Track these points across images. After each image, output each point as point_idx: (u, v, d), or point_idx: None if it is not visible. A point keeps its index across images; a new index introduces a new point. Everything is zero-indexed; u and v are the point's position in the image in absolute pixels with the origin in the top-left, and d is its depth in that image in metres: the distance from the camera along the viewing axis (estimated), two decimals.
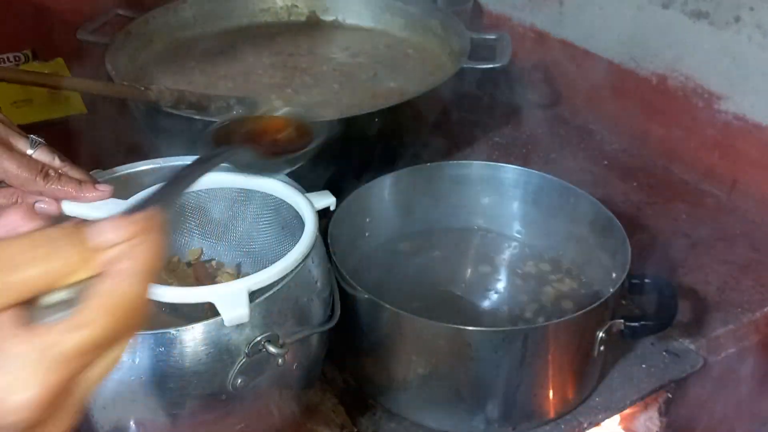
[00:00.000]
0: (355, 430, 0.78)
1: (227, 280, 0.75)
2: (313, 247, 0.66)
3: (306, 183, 0.76)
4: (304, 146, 0.72)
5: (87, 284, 0.35)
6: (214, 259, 0.77)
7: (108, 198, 0.70)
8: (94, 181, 0.71)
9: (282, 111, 0.79)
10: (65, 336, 0.33)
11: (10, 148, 0.67)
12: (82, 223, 0.35)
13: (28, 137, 0.70)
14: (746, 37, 1.04)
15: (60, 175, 0.68)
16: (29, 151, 0.68)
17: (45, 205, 0.68)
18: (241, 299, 0.59)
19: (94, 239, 0.35)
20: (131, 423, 0.63)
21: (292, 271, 0.64)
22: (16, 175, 0.66)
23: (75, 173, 0.70)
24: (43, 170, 0.67)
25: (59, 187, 0.68)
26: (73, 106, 1.29)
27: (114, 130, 1.19)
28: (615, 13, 1.22)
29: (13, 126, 0.71)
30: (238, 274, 0.77)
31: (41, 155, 0.69)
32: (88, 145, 1.06)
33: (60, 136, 1.23)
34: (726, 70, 1.08)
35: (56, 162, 0.69)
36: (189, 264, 0.77)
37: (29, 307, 0.34)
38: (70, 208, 0.69)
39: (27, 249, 0.33)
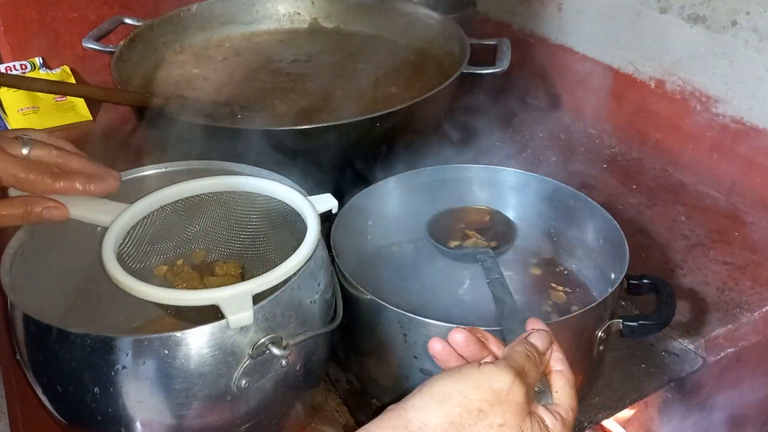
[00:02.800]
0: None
1: (231, 283, 0.76)
2: (315, 250, 0.67)
3: (309, 186, 0.78)
4: (509, 240, 0.87)
5: (544, 380, 0.57)
6: (219, 262, 0.78)
7: (115, 188, 0.70)
8: (102, 170, 0.71)
9: (486, 206, 0.93)
10: (571, 417, 0.56)
11: (4, 152, 0.67)
12: (529, 340, 0.58)
13: (18, 138, 0.69)
14: (743, 41, 1.05)
15: (66, 171, 0.68)
16: (24, 151, 0.68)
17: (55, 212, 0.68)
18: (245, 302, 0.60)
19: (540, 348, 0.57)
20: (138, 424, 0.64)
21: (295, 273, 0.65)
22: (24, 179, 0.66)
23: (75, 163, 0.70)
24: (49, 169, 0.68)
25: (69, 184, 0.68)
26: (79, 114, 1.31)
27: (119, 136, 1.21)
28: (613, 18, 1.24)
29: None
30: (243, 276, 0.78)
31: (37, 152, 0.69)
32: (94, 151, 1.07)
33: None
34: (723, 73, 1.09)
35: (54, 154, 0.69)
36: (194, 266, 0.78)
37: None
38: (80, 213, 0.69)
39: (531, 362, 0.55)
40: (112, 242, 0.66)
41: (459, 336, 0.58)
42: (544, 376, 0.57)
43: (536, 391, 0.56)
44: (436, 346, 0.58)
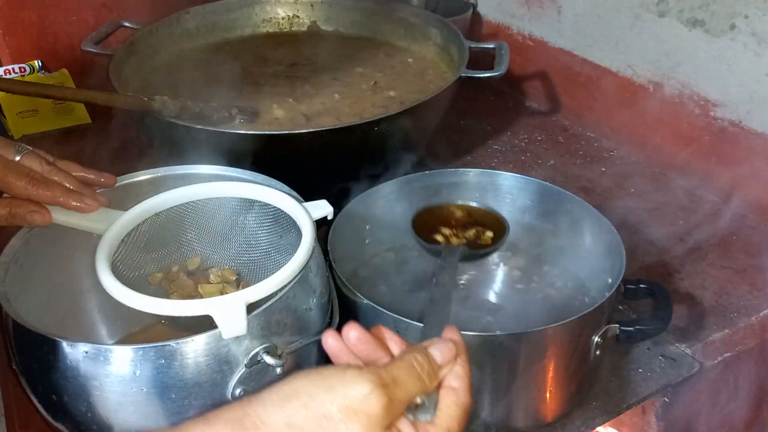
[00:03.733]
0: None
1: (227, 290, 0.76)
2: (311, 257, 0.67)
3: (307, 191, 0.78)
4: (500, 238, 0.84)
5: (433, 394, 0.51)
6: (214, 268, 0.78)
7: (95, 210, 0.70)
8: (84, 192, 0.71)
9: (478, 204, 0.90)
10: None
11: None
12: (427, 348, 0.52)
13: (14, 145, 0.70)
14: (741, 44, 1.05)
15: (46, 179, 0.68)
16: (16, 158, 0.69)
17: (38, 217, 0.68)
18: (238, 312, 0.60)
19: (438, 361, 0.52)
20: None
21: (289, 282, 0.65)
22: (1, 179, 0.67)
23: (63, 179, 0.70)
24: (29, 174, 0.68)
25: (45, 191, 0.68)
26: (78, 117, 1.31)
27: (117, 140, 1.21)
28: (612, 21, 1.24)
29: None
30: (238, 283, 0.78)
31: (27, 161, 0.69)
32: (93, 155, 1.08)
33: (64, 146, 1.26)
34: (722, 77, 1.09)
35: (43, 167, 0.69)
36: (189, 273, 0.78)
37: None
38: (60, 217, 0.69)
39: (406, 371, 0.49)
40: (105, 250, 0.66)
41: (351, 333, 0.52)
42: (436, 390, 0.52)
43: (418, 404, 0.51)
44: (329, 341, 0.53)
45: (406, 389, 0.49)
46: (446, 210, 0.90)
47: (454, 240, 0.85)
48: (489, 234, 0.86)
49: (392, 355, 0.54)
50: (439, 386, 0.52)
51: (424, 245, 0.84)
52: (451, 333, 0.56)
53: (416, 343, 0.54)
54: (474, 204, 0.91)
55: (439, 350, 0.52)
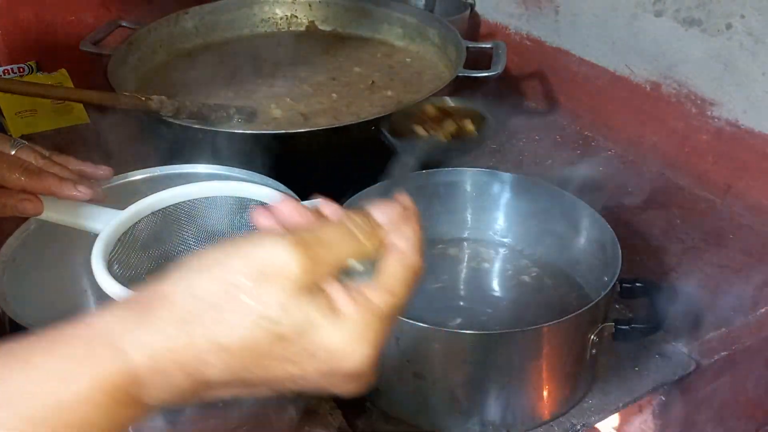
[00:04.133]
0: None
1: None
2: None
3: (304, 191, 0.78)
4: (479, 130, 0.77)
5: (375, 257, 0.44)
6: None
7: (87, 198, 0.70)
8: (77, 181, 0.71)
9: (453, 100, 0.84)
10: (386, 302, 0.43)
11: None
12: (366, 209, 0.46)
13: (10, 139, 0.70)
14: (738, 43, 1.05)
15: (41, 171, 0.69)
16: (12, 152, 0.69)
17: (29, 206, 0.68)
18: None
19: (378, 222, 0.45)
20: (130, 429, 0.64)
21: None
22: None
23: (58, 171, 0.70)
24: (23, 166, 0.68)
25: (39, 182, 0.68)
26: (77, 117, 1.31)
27: (116, 140, 1.21)
28: (609, 21, 1.24)
29: None
30: None
31: (23, 154, 0.69)
32: (91, 154, 1.08)
33: (63, 146, 1.26)
34: (718, 76, 1.09)
35: (38, 160, 0.70)
36: None
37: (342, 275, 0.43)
38: (56, 216, 0.69)
39: (340, 232, 0.44)
40: (101, 249, 0.66)
41: (283, 205, 0.48)
42: (377, 252, 0.45)
43: (355, 269, 0.44)
44: (260, 219, 0.48)
45: (334, 250, 0.43)
46: (419, 109, 0.83)
47: (434, 134, 0.79)
48: (470, 126, 0.81)
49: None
50: (382, 250, 0.45)
51: (399, 144, 0.78)
52: (402, 198, 0.49)
53: None
54: (449, 101, 0.85)
55: (382, 211, 0.46)
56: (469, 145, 0.77)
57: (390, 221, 0.46)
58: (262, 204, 0.75)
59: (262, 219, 0.48)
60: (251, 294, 0.40)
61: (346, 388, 0.44)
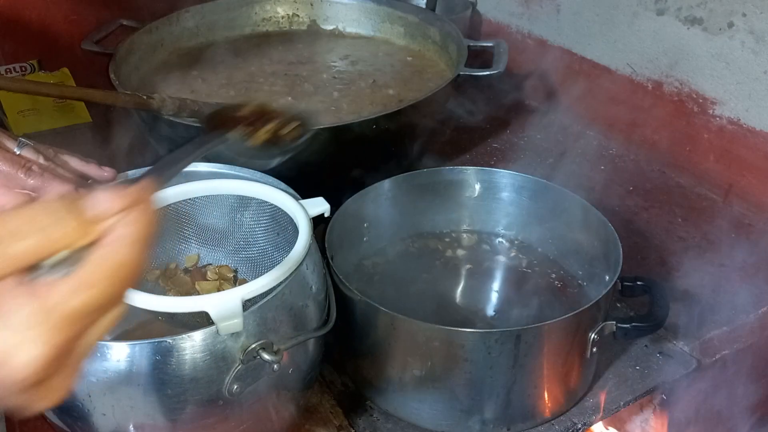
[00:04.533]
0: (353, 431, 0.79)
1: (223, 287, 0.77)
2: (307, 255, 0.67)
3: (305, 188, 0.78)
4: (297, 138, 0.73)
5: (85, 251, 0.37)
6: (211, 265, 0.79)
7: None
8: (81, 183, 0.71)
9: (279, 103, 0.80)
10: (71, 296, 0.36)
11: None
12: (80, 194, 0.38)
13: (17, 138, 0.71)
14: (739, 42, 1.05)
15: (44, 171, 0.69)
16: (16, 151, 0.70)
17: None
18: (234, 308, 0.60)
19: (91, 210, 0.37)
20: (131, 428, 0.64)
21: (285, 278, 0.65)
22: (0, 170, 0.68)
23: (62, 173, 0.71)
24: (26, 165, 0.69)
25: (41, 182, 0.69)
26: (78, 115, 1.31)
27: (118, 138, 1.22)
28: (611, 20, 1.24)
29: (2, 129, 0.72)
30: (235, 280, 0.79)
31: (28, 154, 0.70)
32: (92, 153, 1.08)
33: (65, 145, 1.26)
34: (720, 75, 1.09)
35: (41, 160, 0.70)
36: (186, 270, 0.78)
37: (30, 271, 0.36)
38: None
39: (27, 220, 0.36)
40: None
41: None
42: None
43: (57, 259, 0.37)
44: None
45: (19, 245, 0.36)
46: (238, 109, 0.78)
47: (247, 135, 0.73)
48: (293, 127, 0.76)
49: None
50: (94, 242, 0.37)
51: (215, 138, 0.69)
52: (136, 189, 0.39)
53: None
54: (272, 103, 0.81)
55: (97, 199, 0.38)
56: (277, 151, 0.74)
57: (101, 211, 0.37)
58: (263, 202, 0.75)
59: None
60: None
61: (19, 400, 0.37)
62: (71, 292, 0.36)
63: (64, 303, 0.36)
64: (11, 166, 0.68)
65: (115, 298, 0.38)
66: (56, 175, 0.70)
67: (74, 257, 0.37)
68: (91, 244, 0.37)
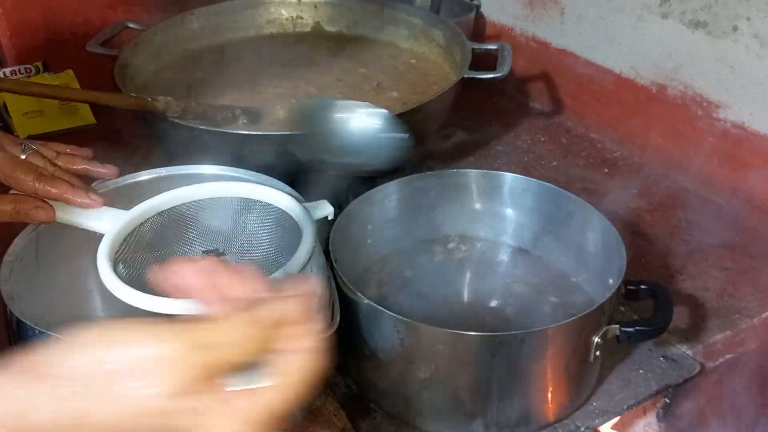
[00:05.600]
0: None
1: None
2: (311, 257, 0.68)
3: (309, 191, 0.78)
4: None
5: (269, 359, 0.42)
6: None
7: (99, 207, 0.71)
8: (88, 189, 0.72)
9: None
10: (274, 400, 0.41)
11: (4, 150, 0.69)
12: (259, 307, 0.42)
13: (21, 143, 0.71)
14: (744, 46, 1.05)
15: (53, 176, 0.70)
16: (21, 156, 0.70)
17: (42, 214, 0.69)
18: None
19: (270, 322, 0.41)
20: None
21: None
22: (10, 175, 0.68)
23: (68, 177, 0.71)
24: (37, 170, 0.69)
25: (51, 187, 0.69)
26: (83, 117, 1.32)
27: (122, 140, 1.22)
28: (615, 23, 1.24)
29: (5, 133, 0.73)
30: None
31: (33, 158, 0.71)
32: (97, 155, 1.08)
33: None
34: (724, 78, 1.09)
35: (48, 165, 0.71)
36: None
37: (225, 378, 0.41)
38: (63, 216, 0.70)
39: (222, 334, 0.41)
40: (107, 249, 0.66)
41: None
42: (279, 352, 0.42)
43: (244, 369, 0.42)
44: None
45: (228, 352, 0.41)
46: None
47: None
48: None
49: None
50: (282, 348, 0.42)
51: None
52: (305, 284, 0.44)
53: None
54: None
55: (276, 311, 0.42)
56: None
57: (291, 318, 0.42)
58: (268, 205, 0.75)
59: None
60: (125, 386, 0.39)
61: None
62: (273, 396, 0.41)
63: (266, 411, 0.41)
64: (22, 171, 0.68)
65: (303, 400, 0.43)
66: (65, 180, 0.70)
67: (261, 364, 0.42)
68: (274, 352, 0.42)
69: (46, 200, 0.70)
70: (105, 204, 0.72)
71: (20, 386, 0.40)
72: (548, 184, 0.93)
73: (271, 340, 0.41)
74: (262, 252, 0.78)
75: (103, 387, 0.39)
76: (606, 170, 1.22)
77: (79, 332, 0.41)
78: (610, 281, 0.82)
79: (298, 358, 0.42)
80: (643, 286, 0.83)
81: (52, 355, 0.41)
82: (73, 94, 1.13)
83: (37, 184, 0.69)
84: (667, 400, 0.89)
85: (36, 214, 0.69)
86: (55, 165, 0.72)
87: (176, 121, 0.99)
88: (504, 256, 0.96)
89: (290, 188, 0.78)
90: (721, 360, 0.89)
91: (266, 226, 0.77)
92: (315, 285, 0.45)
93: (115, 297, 0.63)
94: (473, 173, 0.96)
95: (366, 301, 0.75)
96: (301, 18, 1.40)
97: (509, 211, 0.96)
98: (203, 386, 0.40)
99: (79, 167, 0.75)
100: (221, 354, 0.40)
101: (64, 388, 0.39)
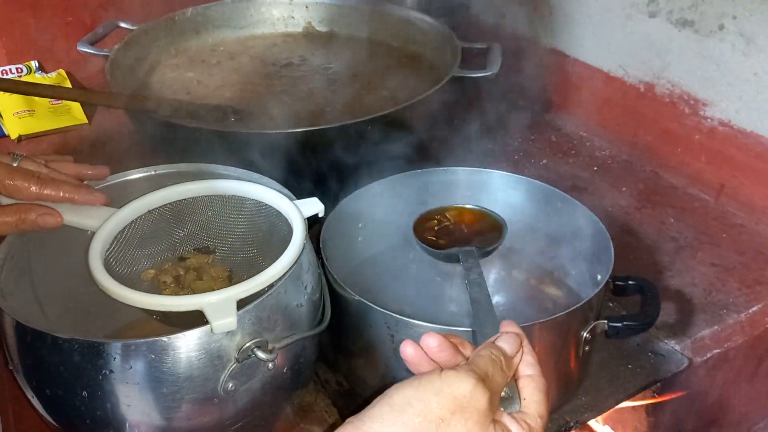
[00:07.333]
0: None
1: (218, 286, 0.77)
2: (301, 254, 0.68)
3: (299, 189, 0.79)
4: (497, 240, 0.85)
5: (512, 385, 0.55)
6: (207, 265, 0.79)
7: (103, 203, 0.72)
8: (89, 186, 0.72)
9: (473, 206, 0.91)
10: (540, 426, 0.53)
11: None
12: (497, 344, 0.56)
13: (8, 153, 0.71)
14: (730, 44, 1.06)
15: (52, 179, 0.70)
16: (14, 164, 0.70)
17: (50, 219, 0.68)
18: (229, 308, 0.61)
19: (508, 352, 0.55)
20: (127, 426, 0.65)
21: (280, 278, 0.66)
22: (10, 185, 0.68)
23: (63, 178, 0.71)
24: (35, 176, 0.69)
25: (55, 190, 0.69)
26: (75, 117, 1.32)
27: (114, 139, 1.22)
28: (603, 22, 1.25)
29: None
30: (230, 280, 0.79)
31: (26, 165, 0.70)
32: (89, 154, 1.09)
33: (61, 146, 1.27)
34: (711, 77, 1.10)
35: (43, 169, 0.71)
36: (182, 268, 0.79)
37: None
38: (69, 218, 0.70)
39: (495, 367, 0.53)
40: (99, 247, 0.67)
41: (432, 341, 0.55)
42: (513, 381, 0.56)
43: (503, 397, 0.54)
44: (408, 350, 0.56)
45: (496, 381, 0.52)
46: (447, 212, 0.91)
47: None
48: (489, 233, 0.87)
49: (466, 358, 0.56)
50: (515, 377, 0.55)
51: (439, 253, 0.85)
52: (508, 326, 0.59)
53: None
54: (469, 206, 0.92)
55: (506, 342, 0.56)
56: (489, 251, 0.86)
57: (513, 350, 0.55)
58: (258, 202, 0.76)
59: (410, 350, 0.55)
60: (455, 426, 0.48)
61: None
62: (540, 423, 0.53)
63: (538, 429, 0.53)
64: (22, 179, 0.68)
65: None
66: (64, 181, 0.71)
67: (511, 390, 0.54)
68: (513, 380, 0.55)
69: (49, 205, 0.69)
70: (108, 201, 0.72)
71: None
72: (537, 181, 0.94)
73: (510, 368, 0.54)
74: (254, 248, 0.79)
75: None
76: (595, 168, 1.23)
77: (386, 398, 0.50)
78: (599, 277, 0.83)
79: (532, 382, 0.55)
80: (631, 282, 0.84)
81: (374, 424, 0.49)
82: (65, 93, 1.13)
83: (40, 189, 0.68)
84: (656, 395, 0.90)
85: (44, 221, 0.68)
86: (49, 169, 0.72)
87: (167, 119, 0.99)
88: (493, 253, 0.96)
89: (281, 186, 0.78)
90: (708, 355, 0.90)
91: (257, 223, 0.77)
92: (515, 328, 0.59)
93: (105, 294, 0.64)
94: (463, 171, 0.97)
95: (356, 297, 0.76)
96: (293, 18, 1.41)
97: (499, 209, 0.96)
98: (495, 414, 0.51)
99: (71, 171, 0.74)
100: (494, 383, 0.51)
101: None
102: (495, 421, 0.51)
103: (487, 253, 0.86)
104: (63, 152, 0.81)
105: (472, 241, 0.86)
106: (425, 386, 0.49)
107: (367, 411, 0.50)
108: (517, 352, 0.56)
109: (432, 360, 0.56)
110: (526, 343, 0.57)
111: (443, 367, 0.53)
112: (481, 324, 0.65)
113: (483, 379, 0.50)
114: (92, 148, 1.25)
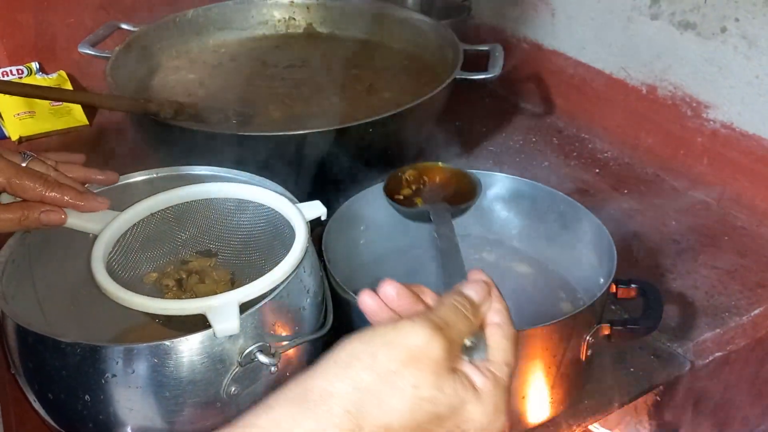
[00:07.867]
0: None
1: (221, 290, 0.77)
2: (304, 257, 0.68)
3: (302, 191, 0.79)
4: (472, 197, 0.84)
5: (479, 333, 0.52)
6: (209, 268, 0.79)
7: (105, 209, 0.71)
8: (93, 193, 0.72)
9: (446, 164, 0.91)
10: (505, 373, 0.50)
11: (4, 158, 0.69)
12: (462, 291, 0.52)
13: (18, 152, 0.71)
14: (732, 47, 1.06)
15: (58, 182, 0.69)
16: (23, 164, 0.70)
17: (54, 217, 0.69)
18: (231, 312, 0.61)
19: (475, 299, 0.52)
20: (129, 430, 0.65)
21: (283, 281, 0.66)
22: (18, 184, 0.67)
23: (71, 182, 0.71)
24: (43, 177, 0.69)
25: (60, 194, 0.69)
26: (75, 119, 1.32)
27: (115, 141, 1.22)
28: (605, 24, 1.24)
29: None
30: (232, 283, 0.79)
31: (35, 166, 0.70)
32: (90, 156, 1.08)
33: (62, 148, 1.26)
34: (713, 79, 1.10)
35: (50, 171, 0.71)
36: (184, 272, 0.79)
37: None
38: (71, 221, 0.70)
39: (457, 314, 0.50)
40: (101, 250, 0.67)
41: (390, 288, 0.52)
42: (481, 330, 0.52)
43: (468, 346, 0.50)
44: (366, 300, 0.52)
45: (457, 329, 0.49)
46: (414, 172, 0.90)
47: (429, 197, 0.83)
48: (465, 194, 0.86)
49: (429, 307, 0.52)
50: (482, 325, 0.52)
51: (410, 211, 0.83)
52: (476, 274, 0.56)
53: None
54: (441, 164, 0.91)
55: (473, 290, 0.53)
56: (462, 209, 0.85)
57: (480, 297, 0.52)
58: (260, 205, 0.76)
59: (368, 300, 0.52)
60: (406, 378, 0.45)
61: None
62: (505, 370, 0.50)
63: (505, 380, 0.50)
64: (29, 179, 0.68)
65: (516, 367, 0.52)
66: (69, 186, 0.70)
67: (477, 338, 0.51)
68: (480, 329, 0.52)
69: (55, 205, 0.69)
70: (110, 206, 0.72)
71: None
72: (540, 184, 0.93)
73: (477, 316, 0.51)
74: (256, 252, 0.78)
75: (389, 387, 0.45)
76: (597, 170, 1.23)
77: (334, 354, 0.46)
78: (601, 280, 0.83)
79: (499, 330, 0.52)
80: (633, 285, 0.83)
81: (318, 380, 0.45)
82: (66, 95, 1.13)
83: (45, 192, 0.68)
84: (658, 398, 0.89)
85: (48, 218, 0.68)
86: (57, 171, 0.72)
87: (169, 122, 0.99)
88: (496, 256, 0.97)
89: (283, 189, 0.78)
90: (710, 358, 0.90)
91: (259, 226, 0.77)
92: (483, 276, 0.56)
93: (108, 297, 0.64)
94: None
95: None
96: (294, 19, 1.40)
97: (500, 211, 0.97)
98: (454, 363, 0.47)
99: (80, 175, 0.74)
100: (454, 332, 0.48)
101: (352, 401, 0.44)
102: (454, 370, 0.47)
103: (461, 212, 0.84)
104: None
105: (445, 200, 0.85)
106: (375, 338, 0.46)
107: (312, 367, 0.46)
108: (484, 300, 0.53)
109: (392, 310, 0.52)
110: (495, 290, 0.54)
111: (403, 317, 0.50)
112: (449, 275, 0.63)
113: (441, 328, 0.47)
114: (93, 150, 1.24)
